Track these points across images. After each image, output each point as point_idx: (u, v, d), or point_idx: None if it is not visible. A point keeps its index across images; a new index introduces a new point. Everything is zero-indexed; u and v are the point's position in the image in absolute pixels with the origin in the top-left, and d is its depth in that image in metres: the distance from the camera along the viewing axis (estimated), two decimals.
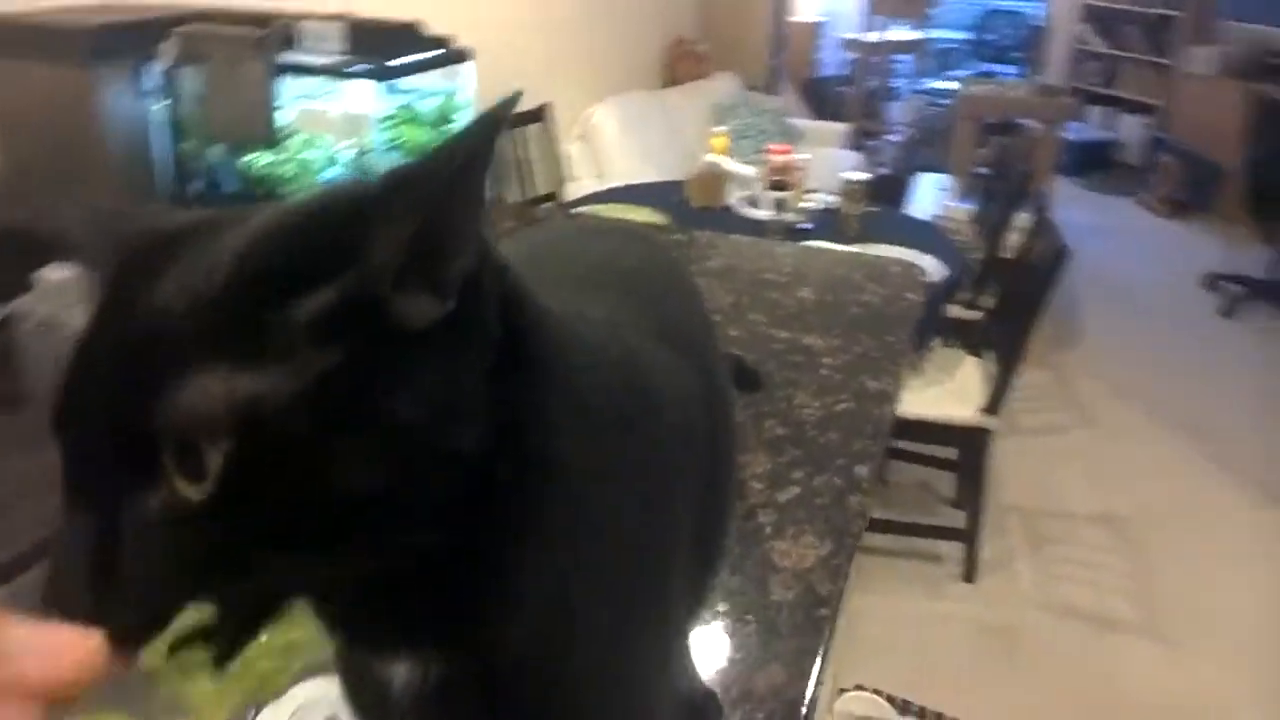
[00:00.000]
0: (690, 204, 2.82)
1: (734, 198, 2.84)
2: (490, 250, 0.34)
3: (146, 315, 0.30)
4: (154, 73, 1.87)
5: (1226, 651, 2.30)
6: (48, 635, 0.26)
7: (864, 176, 2.73)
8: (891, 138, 5.47)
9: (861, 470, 0.86)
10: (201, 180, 2.05)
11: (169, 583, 0.29)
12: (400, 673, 0.37)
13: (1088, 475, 3.03)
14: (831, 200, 2.77)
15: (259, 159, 2.01)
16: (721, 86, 4.56)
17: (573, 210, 2.64)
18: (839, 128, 4.84)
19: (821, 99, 5.59)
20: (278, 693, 0.30)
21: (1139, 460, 3.15)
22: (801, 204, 2.74)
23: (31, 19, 1.74)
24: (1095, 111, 6.42)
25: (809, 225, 2.67)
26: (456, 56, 1.96)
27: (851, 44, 5.97)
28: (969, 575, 2.49)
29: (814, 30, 5.82)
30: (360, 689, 0.42)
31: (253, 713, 0.57)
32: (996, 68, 6.87)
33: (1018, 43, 6.96)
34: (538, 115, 3.50)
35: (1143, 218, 5.75)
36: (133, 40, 1.81)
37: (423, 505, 0.32)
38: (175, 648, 0.28)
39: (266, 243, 0.31)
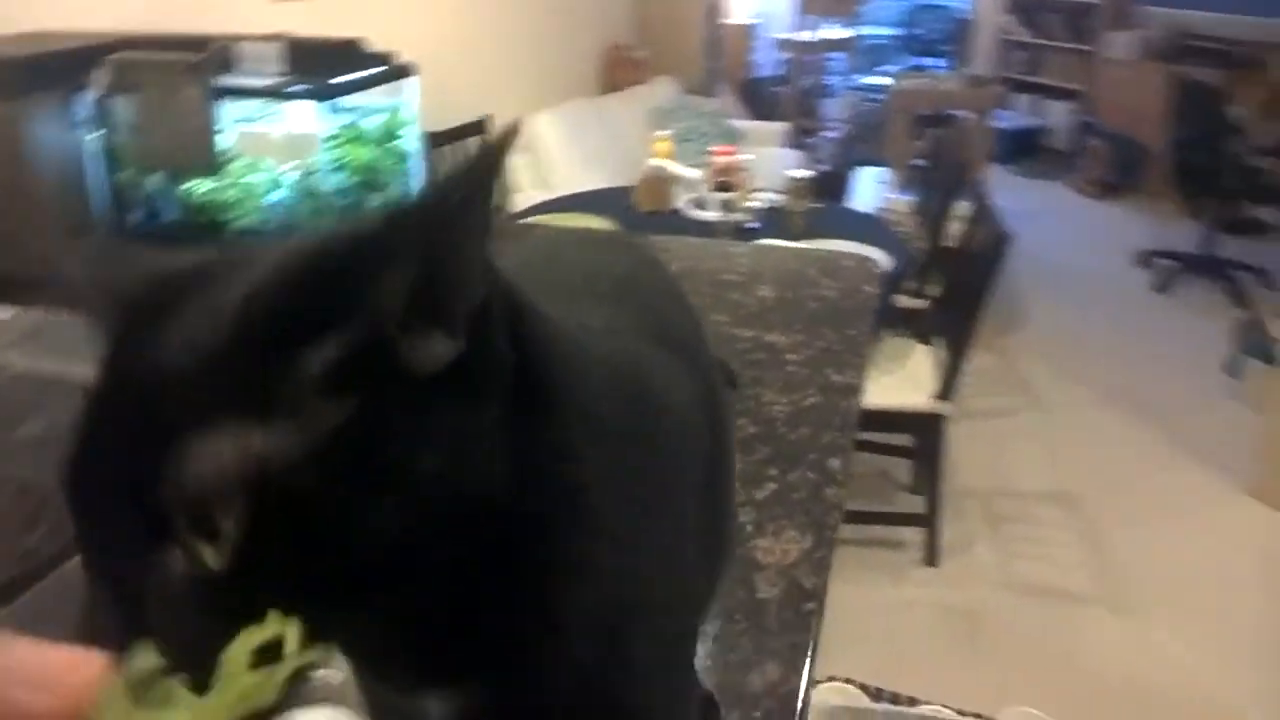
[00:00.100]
0: (638, 209, 2.83)
1: (681, 201, 2.86)
2: (497, 276, 0.33)
3: (150, 373, 0.29)
4: (86, 102, 1.83)
5: (1184, 619, 2.38)
6: (46, 657, 0.26)
7: (807, 174, 2.77)
8: (829, 134, 5.55)
9: (834, 463, 0.88)
10: (140, 210, 2.01)
11: (196, 637, 0.29)
12: (436, 706, 0.37)
13: (1039, 454, 3.10)
14: (776, 199, 2.80)
15: (199, 186, 1.98)
16: (660, 91, 4.59)
17: (521, 221, 2.64)
18: (777, 127, 4.90)
19: (758, 99, 5.65)
20: (267, 707, 0.29)
21: (1086, 436, 3.24)
22: (747, 204, 2.77)
23: None
24: (1023, 100, 6.58)
25: (756, 224, 2.71)
26: (399, 72, 1.95)
27: (785, 44, 6.04)
28: (931, 559, 2.54)
29: (748, 32, 5.89)
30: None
31: None
32: (926, 61, 7.01)
33: (945, 36, 7.11)
34: (478, 128, 3.50)
35: (1074, 200, 5.91)
36: (62, 71, 1.77)
37: (448, 547, 0.32)
38: (148, 681, 0.28)
39: (268, 292, 0.30)
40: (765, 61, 6.14)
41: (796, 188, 2.69)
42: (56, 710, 0.25)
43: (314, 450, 0.28)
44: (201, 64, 1.78)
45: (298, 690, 0.30)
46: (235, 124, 1.90)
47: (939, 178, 3.42)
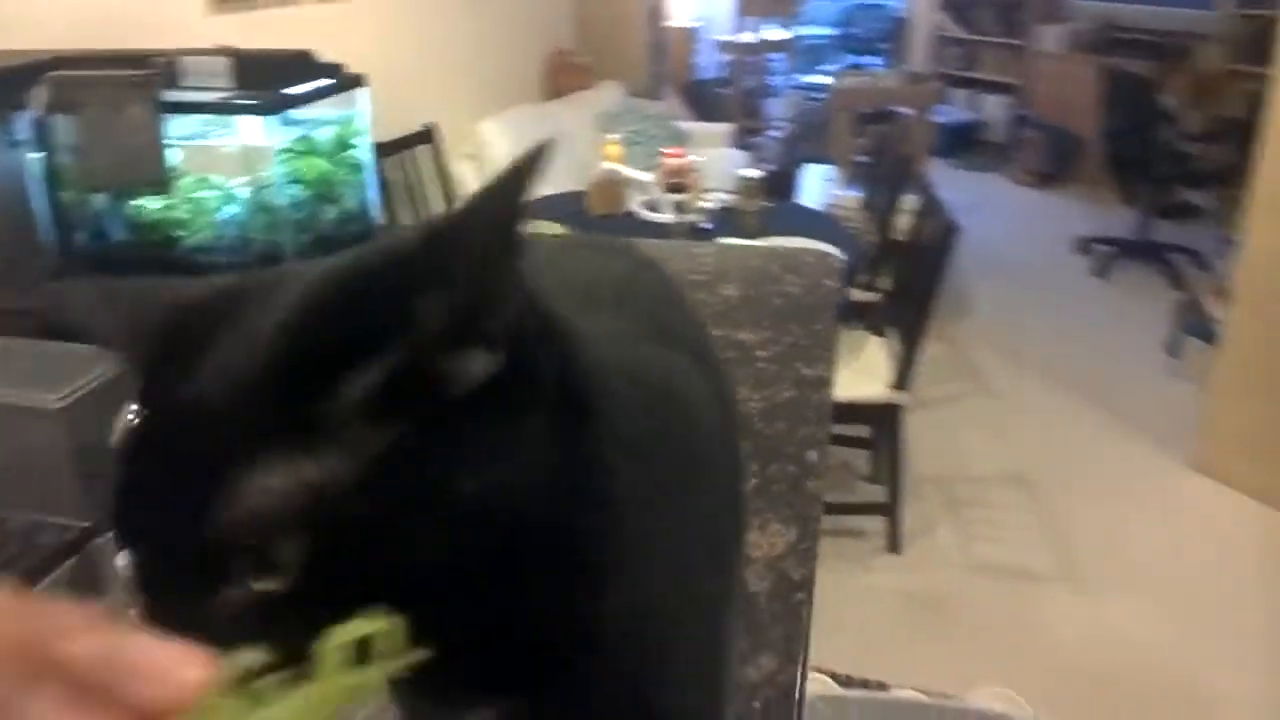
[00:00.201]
0: (591, 213, 2.84)
1: (634, 203, 2.88)
2: (528, 290, 0.32)
3: (191, 408, 0.29)
4: (25, 122, 1.79)
5: (1137, 591, 2.45)
6: (159, 650, 0.26)
7: (758, 173, 2.81)
8: (773, 134, 5.61)
9: (812, 455, 0.90)
10: (87, 231, 1.97)
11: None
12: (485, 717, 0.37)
13: (992, 438, 3.18)
14: (728, 198, 2.83)
15: (149, 204, 1.94)
16: (606, 95, 4.60)
17: None
18: (723, 128, 4.95)
19: (702, 101, 5.69)
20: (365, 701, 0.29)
21: (1036, 419, 3.32)
22: (700, 204, 2.80)
23: None
24: (959, 95, 6.73)
25: (709, 225, 2.74)
26: (350, 83, 1.93)
27: (726, 46, 6.10)
28: (893, 547, 2.58)
29: (689, 35, 5.93)
30: None
31: None
32: (864, 60, 7.13)
33: (882, 34, 7.23)
34: (425, 136, 3.48)
35: (1013, 191, 6.06)
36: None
37: (492, 562, 0.32)
38: (247, 679, 0.27)
39: (304, 318, 0.29)
40: (707, 63, 6.20)
41: (748, 187, 2.73)
42: (167, 704, 0.25)
43: (361, 476, 0.28)
44: (147, 79, 1.75)
45: None
46: (184, 140, 1.87)
47: (884, 173, 3.49)
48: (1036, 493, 2.87)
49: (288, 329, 0.29)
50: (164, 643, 0.26)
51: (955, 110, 6.63)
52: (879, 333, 2.71)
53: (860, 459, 2.87)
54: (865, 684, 2.12)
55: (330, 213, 1.99)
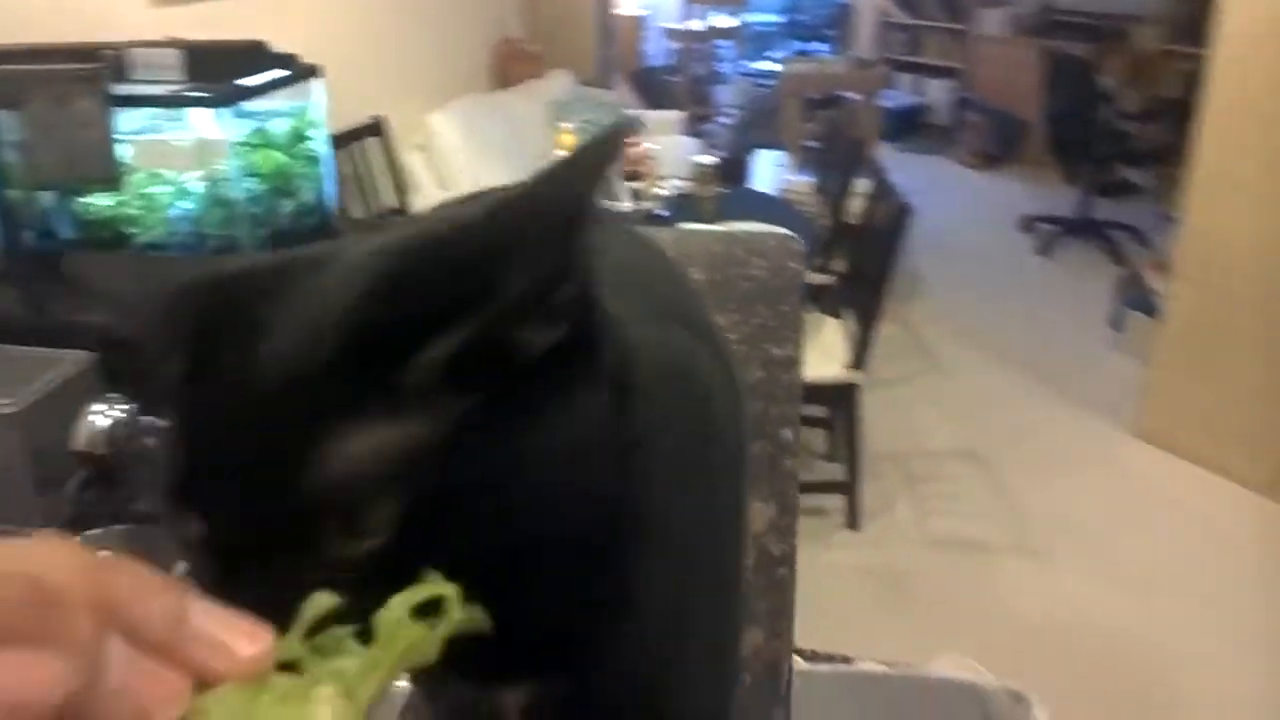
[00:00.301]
0: None
1: None
2: (590, 265, 0.33)
3: (267, 380, 0.29)
4: None
5: (1088, 558, 2.54)
6: (225, 619, 0.26)
7: (713, 160, 2.83)
8: (723, 121, 5.65)
9: (787, 434, 0.92)
10: (34, 229, 1.93)
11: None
12: (516, 699, 0.38)
13: (945, 415, 3.25)
14: (683, 185, 2.86)
15: (99, 201, 1.91)
16: (556, 84, 4.59)
17: None
18: (673, 115, 4.96)
19: (651, 89, 5.70)
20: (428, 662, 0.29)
21: (985, 394, 3.41)
22: (656, 191, 2.82)
23: None
24: (904, 79, 6.82)
25: (666, 211, 2.76)
26: (304, 73, 1.91)
27: (674, 33, 6.12)
28: (853, 523, 2.64)
29: (638, 23, 5.94)
30: None
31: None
32: (811, 46, 7.19)
33: (828, 21, 7.30)
34: (375, 129, 3.45)
35: (958, 173, 6.17)
36: None
37: (550, 535, 0.32)
38: (311, 633, 0.28)
39: (389, 286, 0.29)
40: (656, 51, 6.21)
41: (703, 174, 2.75)
42: (230, 672, 0.25)
43: (442, 440, 0.29)
44: (95, 73, 1.72)
45: None
46: (134, 134, 1.83)
47: (835, 158, 3.53)
48: (989, 466, 2.95)
49: (371, 297, 0.29)
50: (229, 613, 0.26)
51: (900, 95, 6.73)
52: (834, 314, 2.75)
53: (818, 438, 2.92)
54: (830, 658, 2.17)
55: (287, 206, 1.97)
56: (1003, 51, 6.06)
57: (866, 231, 2.74)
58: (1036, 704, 1.41)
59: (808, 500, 2.72)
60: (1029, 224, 5.00)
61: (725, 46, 6.50)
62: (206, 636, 0.25)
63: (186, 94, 1.75)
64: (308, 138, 1.98)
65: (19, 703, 0.22)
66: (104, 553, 0.25)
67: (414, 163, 3.67)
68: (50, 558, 0.24)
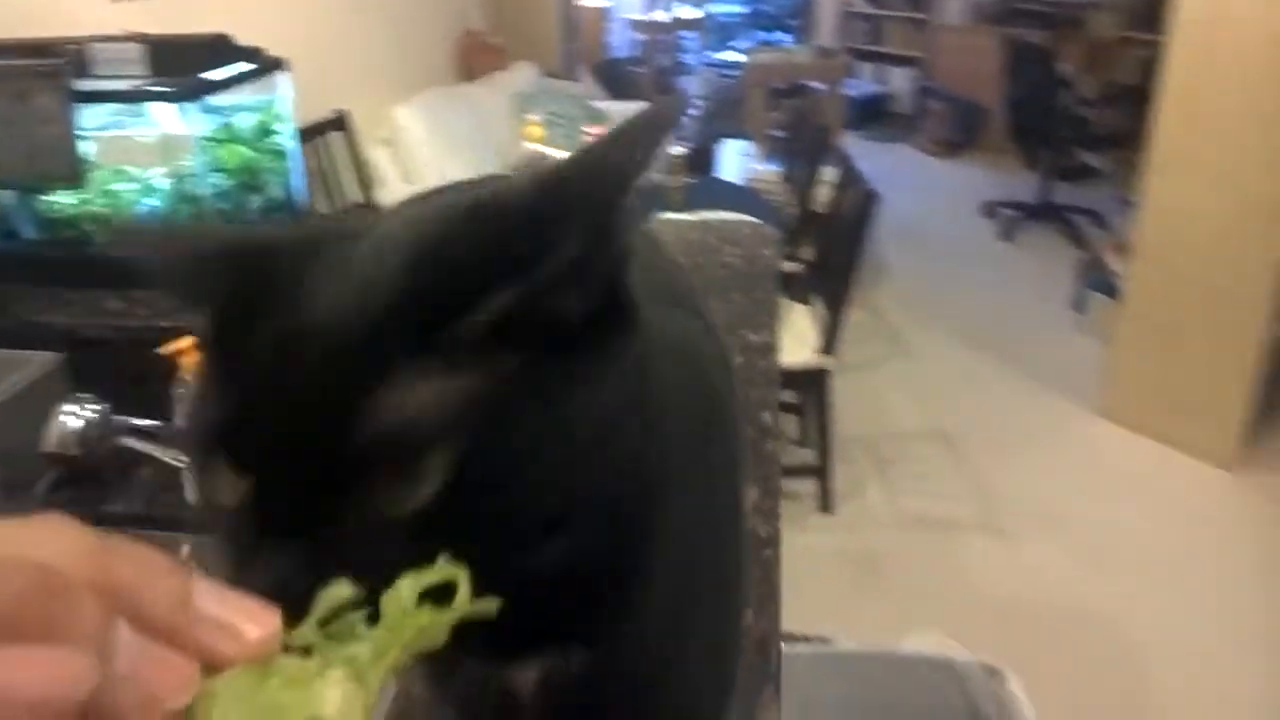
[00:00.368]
0: None
1: None
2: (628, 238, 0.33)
3: (320, 335, 0.29)
4: None
5: (1055, 535, 2.59)
6: (231, 602, 0.26)
7: (681, 150, 2.85)
8: (689, 111, 5.66)
9: (767, 417, 0.94)
10: None
11: (374, 593, 0.29)
12: (528, 676, 0.38)
13: (913, 398, 3.30)
14: (652, 175, 2.87)
15: (61, 199, 1.88)
16: (520, 76, 4.57)
17: None
18: (639, 107, 4.95)
19: (616, 80, 5.70)
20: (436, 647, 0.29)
21: (953, 377, 3.46)
22: None
23: None
24: (866, 68, 6.88)
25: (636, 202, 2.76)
26: (270, 67, 1.89)
27: (638, 25, 6.12)
28: (826, 506, 2.67)
29: (601, 14, 5.93)
30: (472, 707, 0.42)
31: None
32: (774, 36, 7.22)
33: (791, 10, 7.34)
34: (338, 123, 3.42)
35: (920, 160, 6.23)
36: None
37: (592, 500, 0.33)
38: (325, 620, 0.28)
39: (444, 245, 0.31)
40: (620, 43, 6.21)
41: (672, 164, 2.76)
42: (237, 656, 0.25)
43: (491, 397, 0.30)
44: (56, 68, 1.69)
45: None
46: (97, 131, 1.81)
47: (800, 146, 3.56)
48: (957, 447, 2.99)
49: (422, 258, 0.31)
50: (235, 595, 0.26)
51: (863, 84, 6.78)
52: (804, 301, 2.78)
53: (790, 424, 2.95)
54: (808, 639, 2.20)
55: (255, 201, 1.95)
56: (963, 40, 6.13)
57: (834, 219, 2.77)
58: (1011, 677, 1.44)
59: (781, 485, 2.74)
60: (991, 209, 5.07)
61: (689, 37, 6.52)
62: (213, 619, 0.25)
63: (150, 89, 1.73)
64: (274, 132, 1.96)
65: (39, 700, 0.21)
66: (108, 536, 0.24)
67: (379, 157, 3.65)
68: (53, 541, 0.23)
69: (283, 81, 1.94)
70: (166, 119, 1.78)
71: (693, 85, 6.17)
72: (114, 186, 1.88)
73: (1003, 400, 3.29)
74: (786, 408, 2.88)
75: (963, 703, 1.46)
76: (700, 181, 3.03)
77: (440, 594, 0.29)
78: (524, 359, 0.31)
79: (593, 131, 2.88)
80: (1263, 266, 2.61)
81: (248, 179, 1.92)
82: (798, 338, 2.57)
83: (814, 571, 2.46)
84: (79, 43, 1.78)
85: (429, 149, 3.70)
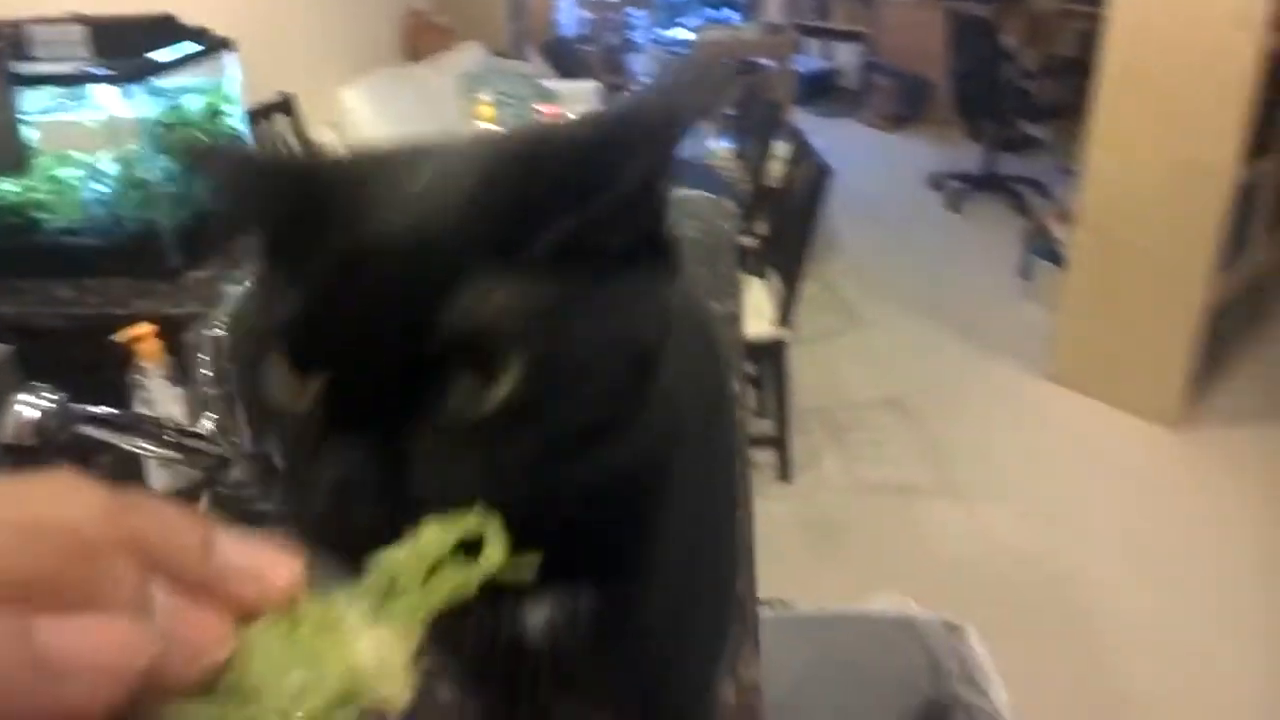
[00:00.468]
0: None
1: None
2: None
3: (401, 245, 0.31)
4: None
5: (1007, 496, 2.67)
6: (254, 550, 0.25)
7: None
8: (637, 90, 5.64)
9: (733, 386, 0.96)
10: None
11: (448, 500, 0.30)
12: (538, 615, 0.39)
13: (866, 367, 3.36)
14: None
15: (3, 186, 1.83)
16: (468, 56, 4.53)
17: None
18: (588, 85, 4.94)
19: (564, 59, 5.66)
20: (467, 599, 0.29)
21: (904, 346, 3.53)
22: None
23: None
24: (813, 44, 6.92)
25: None
26: (217, 46, 1.86)
27: (586, 3, 6.08)
28: (784, 475, 2.72)
29: None
30: (481, 648, 0.42)
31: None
32: (721, 14, 7.22)
33: None
34: (284, 106, 3.37)
35: (867, 134, 6.31)
36: None
37: (628, 421, 0.34)
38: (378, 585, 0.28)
39: (521, 167, 0.33)
40: (567, 21, 6.16)
41: None
42: (267, 602, 0.25)
43: (558, 307, 0.32)
44: None
45: None
46: (39, 115, 1.76)
47: (751, 123, 3.58)
48: (911, 414, 3.06)
49: (500, 177, 0.33)
50: (255, 542, 0.26)
51: (809, 60, 6.83)
52: (759, 275, 2.81)
53: (748, 395, 2.99)
54: (769, 604, 2.24)
55: (206, 185, 1.92)
56: (908, 14, 6.20)
57: (787, 194, 2.80)
58: (972, 632, 1.49)
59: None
60: (938, 181, 5.15)
61: (638, 15, 6.49)
62: (238, 568, 0.24)
63: (94, 71, 1.69)
64: (224, 114, 1.93)
65: (105, 669, 0.20)
66: (128, 493, 0.24)
67: (326, 140, 3.60)
68: (71, 500, 0.22)
69: (230, 62, 1.91)
70: (111, 102, 1.74)
71: (641, 64, 6.15)
72: (59, 172, 1.84)
73: (954, 367, 3.37)
74: (744, 379, 2.92)
75: (924, 659, 1.50)
76: None
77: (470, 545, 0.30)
78: (578, 281, 0.33)
79: (544, 110, 2.86)
80: (1200, 233, 2.70)
81: None
82: (754, 310, 2.61)
83: (774, 539, 2.51)
84: (17, 25, 1.73)
85: (376, 131, 3.66)
